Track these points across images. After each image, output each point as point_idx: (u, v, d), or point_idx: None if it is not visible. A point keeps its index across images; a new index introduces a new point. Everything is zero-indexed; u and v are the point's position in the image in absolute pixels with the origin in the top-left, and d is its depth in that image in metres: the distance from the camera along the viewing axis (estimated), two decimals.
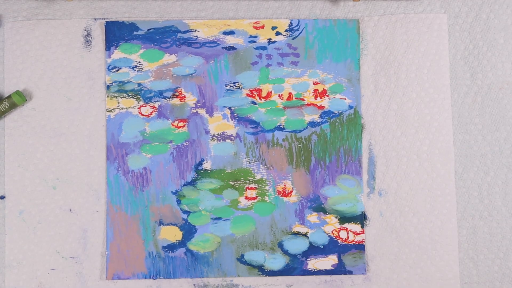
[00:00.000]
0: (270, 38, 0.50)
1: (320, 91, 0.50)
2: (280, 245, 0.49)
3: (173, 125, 0.49)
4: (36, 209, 0.48)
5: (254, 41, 0.50)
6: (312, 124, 0.49)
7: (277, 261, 0.48)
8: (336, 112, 0.50)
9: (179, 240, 0.48)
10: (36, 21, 0.50)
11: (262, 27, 0.50)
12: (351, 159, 0.49)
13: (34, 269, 0.48)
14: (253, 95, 0.49)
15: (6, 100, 0.47)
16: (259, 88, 0.50)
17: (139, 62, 0.49)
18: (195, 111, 0.49)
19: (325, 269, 0.48)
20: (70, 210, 0.48)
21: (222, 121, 0.49)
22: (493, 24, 0.50)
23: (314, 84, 0.50)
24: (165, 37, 0.49)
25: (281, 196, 0.49)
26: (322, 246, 0.49)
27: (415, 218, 0.49)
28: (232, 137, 0.49)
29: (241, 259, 0.48)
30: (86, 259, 0.48)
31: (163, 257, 0.48)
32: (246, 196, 0.49)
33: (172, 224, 0.48)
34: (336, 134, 0.49)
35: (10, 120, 0.49)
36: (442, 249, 0.49)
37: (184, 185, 0.49)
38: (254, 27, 0.50)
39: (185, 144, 0.49)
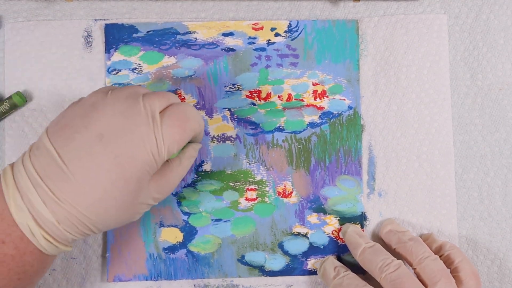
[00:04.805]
0: (269, 39, 0.49)
1: (319, 92, 0.50)
2: (281, 246, 0.49)
3: None
4: None
5: (253, 43, 0.49)
6: (312, 125, 0.49)
7: (278, 262, 0.49)
8: (336, 113, 0.50)
9: (179, 242, 0.48)
10: (37, 22, 0.49)
11: (261, 28, 0.50)
12: (351, 159, 0.49)
13: None
14: (253, 97, 0.49)
15: (7, 101, 0.47)
16: (258, 89, 0.49)
17: (139, 64, 0.49)
18: None
19: None
20: None
21: (222, 123, 0.49)
22: (493, 25, 0.50)
23: (313, 85, 0.50)
24: (164, 39, 0.49)
25: (281, 197, 0.49)
26: (322, 247, 0.49)
27: (415, 218, 0.49)
28: (232, 139, 0.49)
29: (241, 260, 0.48)
30: (87, 260, 0.48)
31: (164, 259, 0.48)
32: (246, 197, 0.49)
33: (172, 226, 0.48)
34: (335, 134, 0.49)
35: (10, 120, 0.48)
36: None
37: (184, 186, 0.49)
38: (253, 28, 0.50)
39: None
